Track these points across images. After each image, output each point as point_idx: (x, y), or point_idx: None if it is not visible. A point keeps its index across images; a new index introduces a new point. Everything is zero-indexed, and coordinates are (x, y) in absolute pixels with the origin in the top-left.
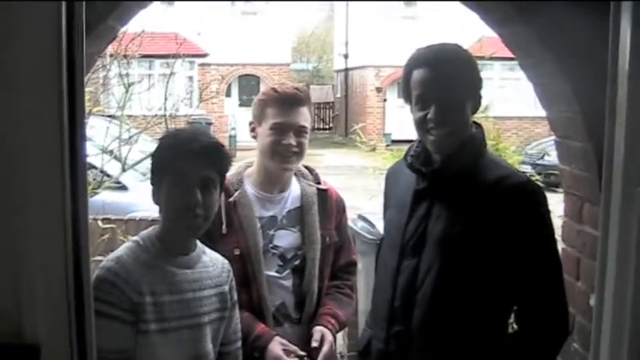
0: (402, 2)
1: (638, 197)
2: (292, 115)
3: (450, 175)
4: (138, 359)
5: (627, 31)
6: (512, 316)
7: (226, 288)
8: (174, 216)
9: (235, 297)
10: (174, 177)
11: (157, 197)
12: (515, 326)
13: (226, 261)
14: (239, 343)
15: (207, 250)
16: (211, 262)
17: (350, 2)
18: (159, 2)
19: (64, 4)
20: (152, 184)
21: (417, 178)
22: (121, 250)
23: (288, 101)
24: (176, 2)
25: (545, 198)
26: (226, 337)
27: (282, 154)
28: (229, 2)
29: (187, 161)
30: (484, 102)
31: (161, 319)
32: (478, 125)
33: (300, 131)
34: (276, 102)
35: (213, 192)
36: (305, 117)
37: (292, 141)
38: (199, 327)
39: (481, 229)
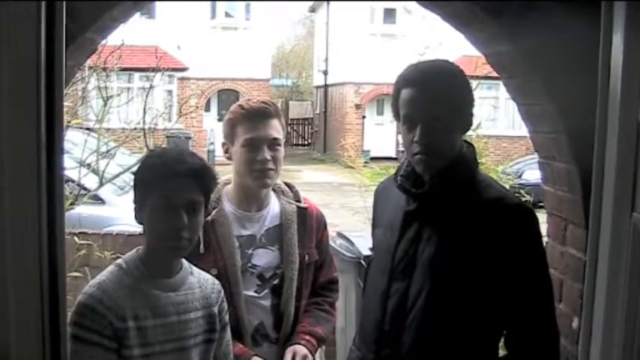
0: (381, 20)
1: (629, 223)
2: (263, 128)
3: (441, 196)
4: None
5: (620, 31)
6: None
7: (215, 309)
8: (159, 237)
9: (226, 319)
10: (160, 199)
11: (140, 216)
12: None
13: (217, 282)
14: None
15: (196, 271)
16: (199, 283)
17: (330, 19)
18: (139, 14)
19: (43, 3)
20: (135, 202)
21: (406, 198)
22: (103, 275)
23: (256, 115)
24: (157, 15)
25: (538, 222)
26: (216, 359)
27: (258, 170)
28: (210, 17)
29: (174, 183)
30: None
31: (144, 343)
32: (469, 144)
33: (273, 144)
34: (245, 118)
35: (198, 214)
36: (276, 129)
37: (267, 155)
38: (185, 351)
39: (473, 252)
